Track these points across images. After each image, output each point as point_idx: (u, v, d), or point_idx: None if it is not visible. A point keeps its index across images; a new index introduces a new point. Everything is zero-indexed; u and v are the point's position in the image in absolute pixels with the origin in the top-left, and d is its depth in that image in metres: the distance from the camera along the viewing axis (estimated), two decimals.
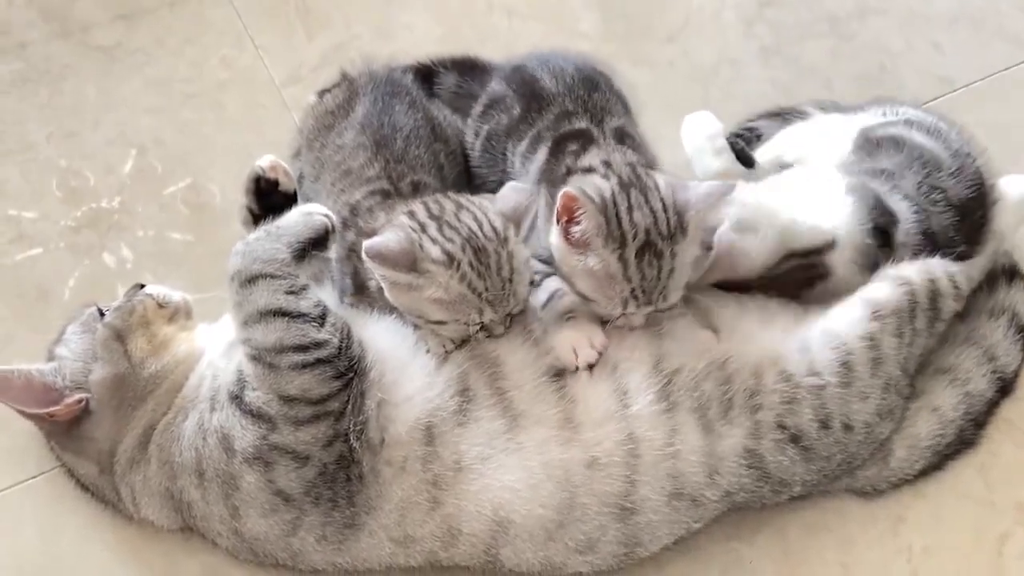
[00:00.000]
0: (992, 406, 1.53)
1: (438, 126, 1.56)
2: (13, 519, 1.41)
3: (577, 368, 1.30)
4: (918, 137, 1.54)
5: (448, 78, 1.66)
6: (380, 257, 1.19)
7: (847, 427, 1.35)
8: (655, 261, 1.26)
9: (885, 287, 1.41)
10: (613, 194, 1.27)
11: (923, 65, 1.93)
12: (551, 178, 1.36)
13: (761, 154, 1.73)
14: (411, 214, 1.26)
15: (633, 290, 1.27)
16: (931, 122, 1.58)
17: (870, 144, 1.56)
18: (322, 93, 1.64)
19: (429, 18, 1.91)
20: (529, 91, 1.48)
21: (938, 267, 1.45)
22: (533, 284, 1.31)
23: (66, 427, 1.33)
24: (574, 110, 1.43)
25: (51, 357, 1.35)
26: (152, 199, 1.68)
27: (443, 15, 1.92)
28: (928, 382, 1.49)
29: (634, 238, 1.25)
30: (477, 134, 1.54)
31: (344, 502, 1.25)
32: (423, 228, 1.23)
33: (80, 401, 1.31)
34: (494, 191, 1.33)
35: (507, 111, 1.49)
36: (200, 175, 1.71)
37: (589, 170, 1.33)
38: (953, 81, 1.91)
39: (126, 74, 1.80)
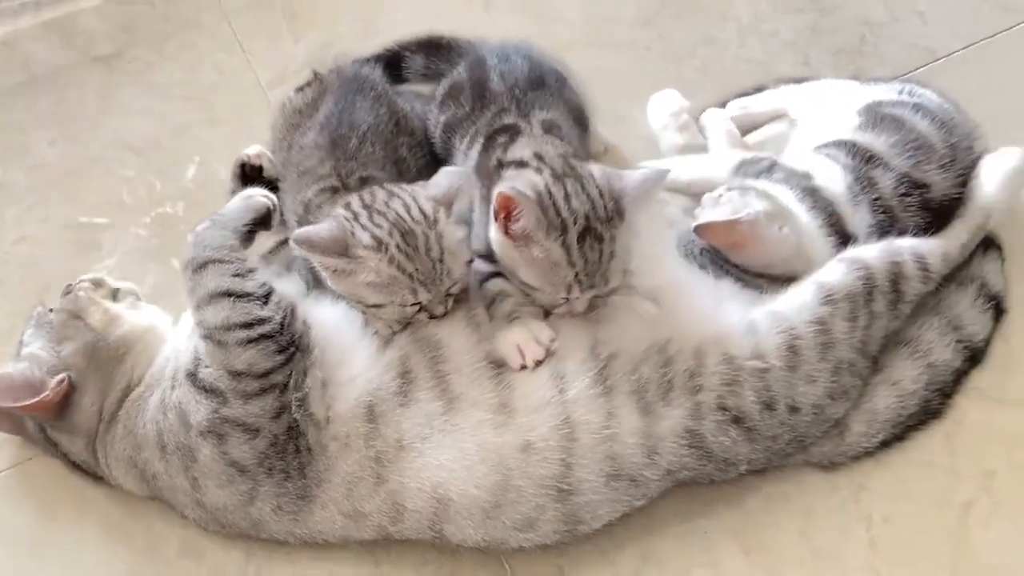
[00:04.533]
0: (960, 376, 1.51)
1: (403, 118, 1.61)
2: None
3: (524, 367, 1.33)
4: (921, 124, 1.54)
5: (415, 61, 1.72)
6: (308, 244, 1.26)
7: (793, 409, 1.35)
8: (596, 244, 1.29)
9: (840, 270, 1.40)
10: (547, 186, 1.31)
11: (905, 36, 1.92)
12: (483, 171, 1.41)
13: (759, 103, 1.77)
14: (347, 205, 1.32)
15: (577, 274, 1.30)
16: (942, 113, 1.57)
17: (875, 118, 1.57)
18: (297, 91, 1.71)
19: (411, 14, 1.97)
20: (480, 89, 1.53)
21: (905, 248, 1.44)
22: (471, 263, 1.36)
23: (58, 410, 1.42)
24: (507, 107, 1.48)
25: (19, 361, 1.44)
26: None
27: (424, 10, 1.98)
28: (888, 356, 1.48)
29: (574, 223, 1.28)
30: (436, 124, 1.59)
31: (296, 473, 1.32)
32: (355, 217, 1.30)
33: (63, 380, 1.39)
34: None
35: (460, 105, 1.54)
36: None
37: (521, 164, 1.37)
38: (935, 51, 1.89)
39: (127, 81, 1.91)
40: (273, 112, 1.69)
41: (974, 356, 1.52)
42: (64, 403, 1.41)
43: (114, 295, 1.48)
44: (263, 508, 1.34)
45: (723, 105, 1.79)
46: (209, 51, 1.95)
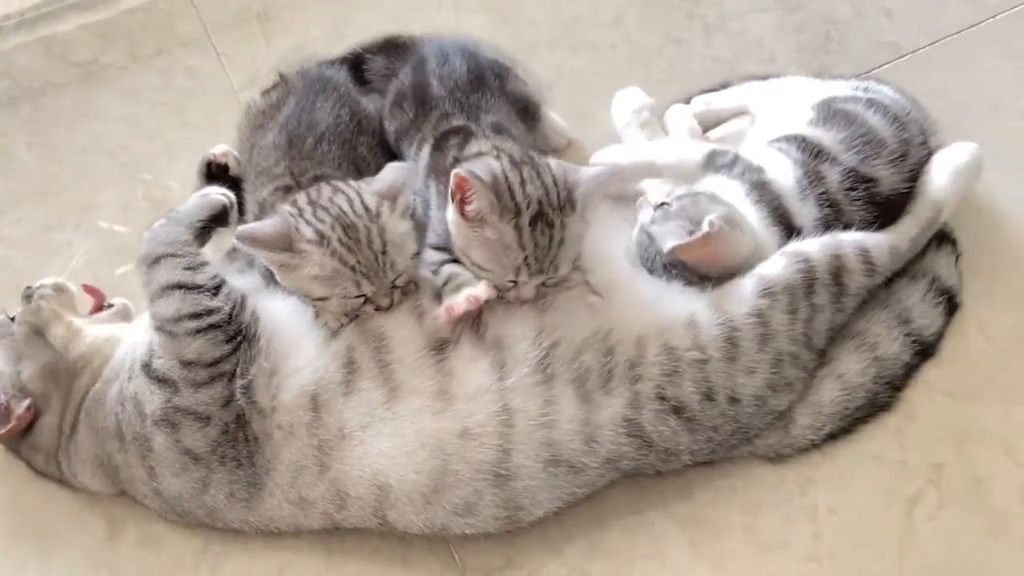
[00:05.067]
0: (911, 369, 1.52)
1: (365, 119, 1.64)
2: None
3: (449, 320, 1.34)
4: (873, 119, 1.55)
5: (376, 62, 1.74)
6: (252, 240, 1.30)
7: (733, 400, 1.37)
8: (547, 230, 1.33)
9: (780, 263, 1.42)
10: (504, 171, 1.34)
11: (871, 32, 1.92)
12: (439, 169, 1.44)
13: (722, 99, 1.78)
14: (294, 202, 1.36)
15: (526, 258, 1.33)
16: (896, 108, 1.58)
17: (827, 113, 1.58)
18: (263, 94, 1.75)
19: (381, 17, 2.00)
20: (421, 95, 1.56)
21: (847, 242, 1.45)
22: (418, 255, 1.39)
23: (24, 432, 1.45)
24: (451, 111, 1.51)
25: None
26: None
27: (394, 13, 2.01)
28: (835, 349, 1.49)
29: (528, 207, 1.32)
30: (389, 133, 1.63)
31: (246, 461, 1.36)
32: (301, 213, 1.33)
33: (30, 408, 1.43)
34: None
35: (405, 113, 1.58)
36: None
37: (480, 155, 1.40)
38: (900, 47, 1.90)
39: (102, 88, 1.96)
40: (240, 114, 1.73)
41: (924, 350, 1.53)
42: (29, 426, 1.45)
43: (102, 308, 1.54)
44: (217, 496, 1.38)
45: (688, 102, 1.81)
46: (184, 56, 1.99)
